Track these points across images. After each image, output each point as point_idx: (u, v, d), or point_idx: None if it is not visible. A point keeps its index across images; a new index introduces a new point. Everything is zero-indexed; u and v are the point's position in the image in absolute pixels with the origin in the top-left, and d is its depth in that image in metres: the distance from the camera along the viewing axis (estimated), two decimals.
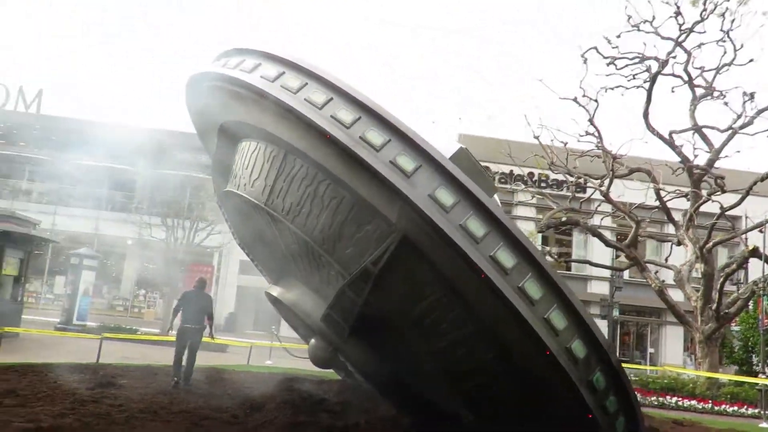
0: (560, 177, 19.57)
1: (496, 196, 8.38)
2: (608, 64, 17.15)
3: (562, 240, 36.21)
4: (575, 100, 17.33)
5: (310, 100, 5.92)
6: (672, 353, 32.00)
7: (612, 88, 17.60)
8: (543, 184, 31.37)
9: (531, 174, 31.56)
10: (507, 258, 5.44)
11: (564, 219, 18.87)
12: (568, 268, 34.44)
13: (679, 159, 17.01)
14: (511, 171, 30.30)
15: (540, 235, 33.04)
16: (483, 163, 29.52)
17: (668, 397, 15.10)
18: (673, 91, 18.49)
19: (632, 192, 19.60)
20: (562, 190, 29.64)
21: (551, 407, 6.19)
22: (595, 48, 17.21)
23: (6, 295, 15.33)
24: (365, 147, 5.61)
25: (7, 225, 15.06)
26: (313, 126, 5.76)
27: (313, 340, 8.24)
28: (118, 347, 15.54)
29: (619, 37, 17.60)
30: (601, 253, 28.21)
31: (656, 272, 18.98)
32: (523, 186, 23.71)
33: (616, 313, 29.38)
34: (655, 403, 14.88)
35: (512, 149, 20.68)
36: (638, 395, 15.36)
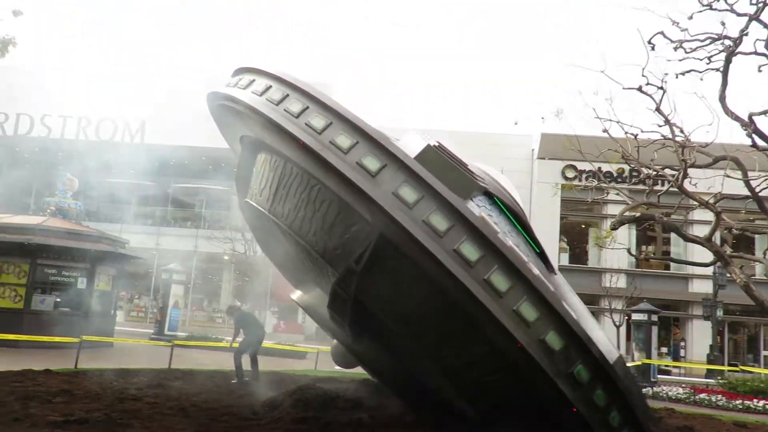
0: (651, 171, 18.70)
1: (511, 190, 8.27)
2: (675, 49, 16.18)
3: (666, 238, 34.32)
4: (639, 89, 16.47)
5: (289, 110, 6.26)
6: None
7: (683, 74, 16.57)
8: (635, 180, 29.92)
9: (621, 170, 30.31)
10: (471, 251, 5.46)
11: (637, 215, 17.93)
12: (667, 267, 32.55)
13: (754, 144, 15.69)
14: (599, 168, 29.20)
15: (632, 231, 31.66)
16: (568, 162, 28.68)
17: (755, 401, 13.99)
18: (760, 71, 17.18)
19: (723, 182, 18.28)
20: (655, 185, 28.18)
21: (543, 403, 6.08)
22: (662, 33, 16.30)
23: (100, 309, 16.80)
24: (333, 151, 5.85)
25: (99, 245, 16.53)
26: (288, 134, 6.08)
27: (334, 341, 8.57)
28: (198, 355, 16.62)
29: (691, 18, 16.59)
30: (702, 250, 26.38)
31: (741, 267, 17.55)
32: (596, 182, 22.74)
33: (720, 313, 27.47)
34: (740, 406, 13.84)
35: (593, 145, 19.84)
36: (723, 398, 14.47)
